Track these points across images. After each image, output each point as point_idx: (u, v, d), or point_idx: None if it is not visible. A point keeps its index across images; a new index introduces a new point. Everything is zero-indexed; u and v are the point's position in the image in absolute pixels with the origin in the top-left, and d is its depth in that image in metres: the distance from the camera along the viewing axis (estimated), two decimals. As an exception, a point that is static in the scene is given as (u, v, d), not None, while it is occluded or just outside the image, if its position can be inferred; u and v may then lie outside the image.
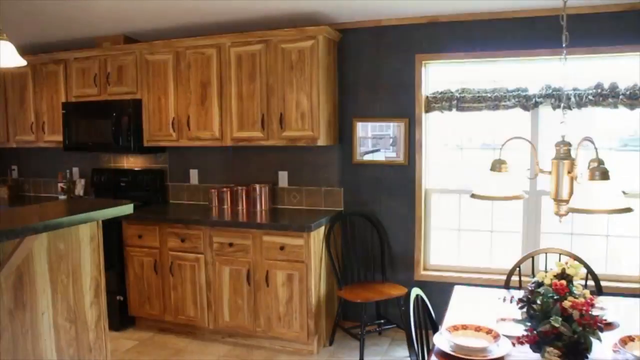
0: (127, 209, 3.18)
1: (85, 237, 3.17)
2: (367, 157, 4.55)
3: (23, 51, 5.86)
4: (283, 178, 4.78)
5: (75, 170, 5.77)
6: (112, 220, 4.40)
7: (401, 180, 4.46)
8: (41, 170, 6.02)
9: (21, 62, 3.24)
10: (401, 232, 4.49)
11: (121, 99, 4.83)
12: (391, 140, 4.49)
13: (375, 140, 4.55)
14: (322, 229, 4.22)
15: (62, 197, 5.64)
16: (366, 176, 4.56)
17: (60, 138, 5.22)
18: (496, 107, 4.09)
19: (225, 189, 4.79)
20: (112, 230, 4.55)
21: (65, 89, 5.24)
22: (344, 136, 4.60)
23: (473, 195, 2.53)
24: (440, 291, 3.85)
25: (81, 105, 5.06)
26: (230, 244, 4.20)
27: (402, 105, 4.40)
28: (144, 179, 5.17)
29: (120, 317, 4.64)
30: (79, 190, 5.68)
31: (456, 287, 3.17)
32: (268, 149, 4.73)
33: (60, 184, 5.64)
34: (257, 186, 4.63)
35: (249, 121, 4.41)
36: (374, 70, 4.46)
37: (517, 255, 3.84)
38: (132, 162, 5.42)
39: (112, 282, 4.61)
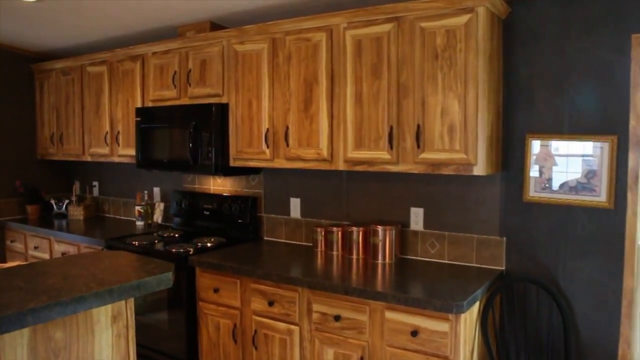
0: (164, 280, 1.93)
1: (102, 317, 1.98)
2: (546, 194, 3.01)
3: (99, 47, 4.96)
4: (417, 218, 3.36)
5: (157, 190, 4.75)
6: (183, 261, 3.29)
7: (601, 232, 2.88)
8: (122, 188, 5.08)
9: None
10: (597, 311, 2.90)
11: (203, 102, 3.68)
12: (586, 170, 2.92)
13: (560, 168, 3.00)
14: (476, 306, 2.75)
15: (140, 223, 4.63)
16: (543, 222, 3.02)
17: (134, 152, 4.21)
18: None
19: (335, 229, 3.46)
20: (182, 272, 3.39)
21: (141, 91, 4.21)
22: (510, 161, 3.09)
23: None
24: None
25: (156, 111, 3.99)
26: (337, 317, 2.85)
27: (607, 115, 2.83)
28: (233, 207, 3.98)
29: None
30: (157, 216, 4.64)
31: None
32: (397, 176, 3.34)
33: (137, 207, 4.64)
34: (380, 228, 3.24)
35: (371, 136, 3.05)
36: (562, 60, 2.92)
37: None
38: (219, 185, 4.27)
39: (178, 345, 3.45)
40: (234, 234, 3.99)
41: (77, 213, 5.02)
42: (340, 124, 3.14)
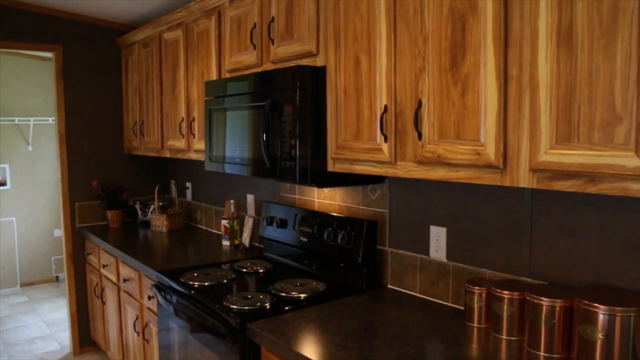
0: None
1: None
2: None
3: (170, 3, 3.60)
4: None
5: (250, 199, 3.47)
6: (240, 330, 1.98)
7: None
8: (215, 192, 3.90)
9: None
10: None
11: (289, 65, 2.27)
12: None
13: None
14: None
15: (225, 243, 3.38)
16: None
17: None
18: None
19: (507, 294, 1.86)
20: (237, 347, 2.04)
21: (217, 58, 2.93)
22: None
23: None
24: None
25: (229, 84, 2.66)
26: None
27: None
28: (340, 233, 2.52)
29: None
30: (246, 236, 3.34)
31: None
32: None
33: (223, 222, 3.39)
34: (603, 310, 1.58)
35: (594, 117, 1.39)
36: None
37: None
38: (325, 197, 2.85)
39: None
40: (339, 276, 2.55)
41: (159, 224, 3.93)
42: (524, 94, 1.53)
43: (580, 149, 1.40)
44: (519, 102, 1.54)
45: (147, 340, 3.13)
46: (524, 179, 1.54)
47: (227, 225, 3.35)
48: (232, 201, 3.34)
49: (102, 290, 3.83)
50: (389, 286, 2.49)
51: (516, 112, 1.55)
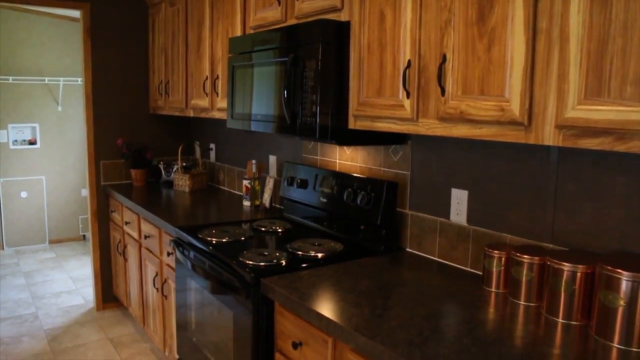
0: None
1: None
2: None
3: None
4: None
5: (272, 160, 3.45)
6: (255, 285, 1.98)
7: None
8: (238, 153, 3.89)
9: None
10: None
11: (313, 20, 2.21)
12: None
13: None
14: None
15: (246, 203, 3.38)
16: None
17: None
18: None
19: (527, 258, 1.81)
20: (250, 301, 2.05)
21: (242, 15, 2.89)
22: None
23: None
24: None
25: (252, 40, 2.62)
26: None
27: None
28: (359, 195, 2.49)
29: None
30: (267, 197, 3.34)
31: None
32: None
33: (245, 182, 3.39)
34: (626, 276, 1.52)
35: (626, 72, 1.32)
36: None
37: None
38: (347, 158, 2.81)
39: None
40: (358, 238, 2.53)
41: (182, 183, 3.95)
42: (554, 47, 1.45)
43: (610, 105, 1.33)
44: (547, 56, 1.47)
45: (166, 297, 3.17)
46: (549, 137, 1.48)
47: (249, 186, 3.34)
48: (254, 161, 3.33)
49: (125, 247, 3.88)
50: (408, 249, 2.46)
51: (544, 66, 1.48)
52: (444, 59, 1.74)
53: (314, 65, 2.14)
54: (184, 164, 4.15)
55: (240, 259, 2.22)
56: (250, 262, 2.16)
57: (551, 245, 1.91)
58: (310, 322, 1.78)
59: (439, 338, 1.54)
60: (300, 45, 2.24)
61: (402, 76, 1.90)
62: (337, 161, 2.87)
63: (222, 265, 2.29)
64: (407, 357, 1.42)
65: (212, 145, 4.21)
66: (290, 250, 2.36)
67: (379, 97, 2.02)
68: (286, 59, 2.29)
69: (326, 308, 1.75)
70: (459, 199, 2.23)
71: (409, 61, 1.87)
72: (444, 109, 1.76)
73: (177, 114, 3.80)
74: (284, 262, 2.19)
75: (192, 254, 2.55)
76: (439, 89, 1.77)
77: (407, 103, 1.90)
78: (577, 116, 1.40)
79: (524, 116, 1.52)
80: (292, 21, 2.48)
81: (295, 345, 1.88)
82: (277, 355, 2.04)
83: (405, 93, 1.90)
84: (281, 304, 1.97)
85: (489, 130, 1.63)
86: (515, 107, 1.54)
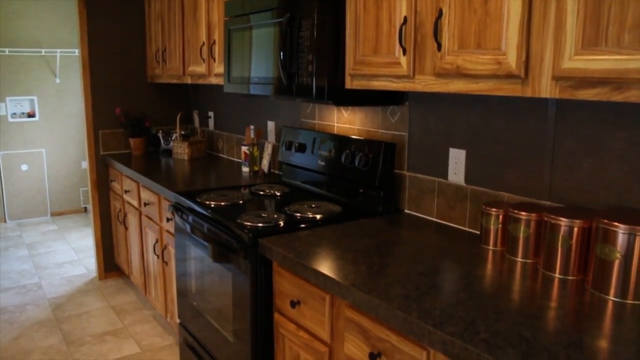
0: None
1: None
2: None
3: None
4: None
5: (271, 125, 3.43)
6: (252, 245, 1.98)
7: None
8: (236, 120, 3.87)
9: None
10: None
11: (308, -18, 2.18)
12: None
13: None
14: None
15: (245, 169, 3.38)
16: None
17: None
18: None
19: (524, 214, 1.81)
20: (248, 261, 2.06)
21: (237, -24, 2.85)
22: None
23: None
24: None
25: (247, 2, 2.58)
26: None
27: None
28: (357, 156, 2.48)
29: None
30: (265, 163, 3.33)
31: None
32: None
33: (243, 148, 3.38)
34: (622, 229, 1.52)
35: (624, 19, 1.31)
36: None
37: None
38: (345, 121, 2.80)
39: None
40: (356, 200, 2.53)
41: (181, 151, 3.94)
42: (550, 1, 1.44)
43: (607, 54, 1.31)
44: (544, 7, 1.44)
45: (166, 263, 3.19)
46: (545, 89, 1.47)
47: (247, 152, 3.33)
48: (252, 127, 3.32)
49: (125, 215, 3.90)
50: (406, 211, 2.46)
51: (541, 17, 1.45)
52: (440, 13, 1.72)
53: (309, 25, 2.12)
54: (183, 132, 4.13)
55: (239, 220, 2.22)
56: (249, 224, 2.17)
57: (549, 203, 1.90)
58: (308, 280, 1.79)
59: (435, 292, 1.55)
60: (296, 4, 2.20)
61: (399, 33, 1.87)
62: (335, 124, 2.85)
63: (221, 227, 2.29)
64: (403, 310, 1.43)
65: (211, 114, 4.19)
66: (288, 212, 2.36)
67: (375, 55, 2.00)
68: (282, 19, 2.26)
69: (324, 266, 1.76)
70: (457, 159, 2.22)
71: (405, 18, 1.84)
72: (441, 65, 1.74)
73: (174, 81, 3.78)
74: (282, 223, 2.19)
75: (191, 217, 2.56)
76: (435, 45, 1.75)
77: (403, 60, 1.88)
78: (574, 67, 1.38)
79: (521, 69, 1.50)
80: (287, -19, 2.45)
81: (294, 304, 1.89)
82: (276, 315, 2.06)
83: (401, 50, 1.87)
84: (279, 264, 1.98)
85: (486, 84, 1.62)
86: (511, 60, 1.52)
